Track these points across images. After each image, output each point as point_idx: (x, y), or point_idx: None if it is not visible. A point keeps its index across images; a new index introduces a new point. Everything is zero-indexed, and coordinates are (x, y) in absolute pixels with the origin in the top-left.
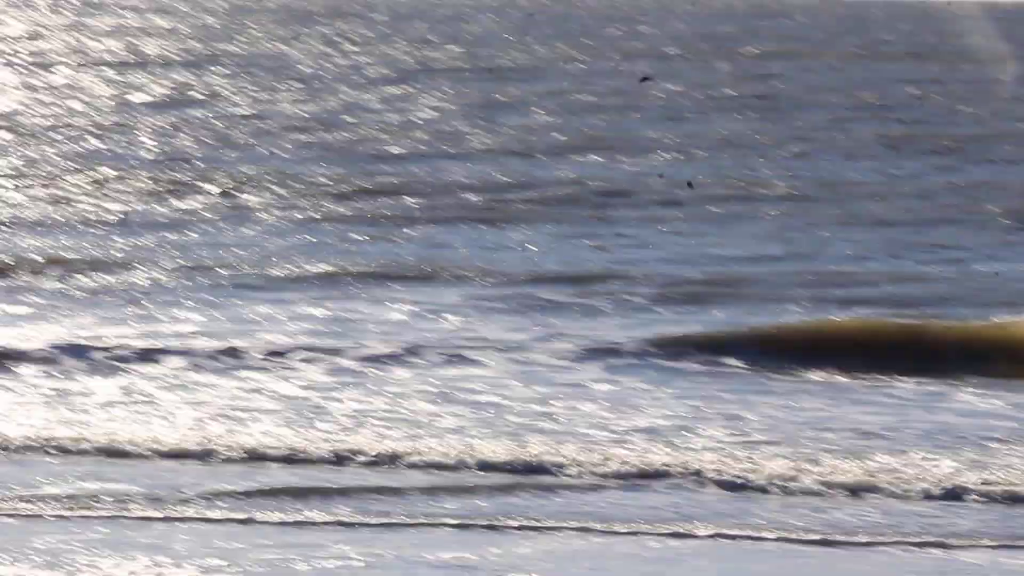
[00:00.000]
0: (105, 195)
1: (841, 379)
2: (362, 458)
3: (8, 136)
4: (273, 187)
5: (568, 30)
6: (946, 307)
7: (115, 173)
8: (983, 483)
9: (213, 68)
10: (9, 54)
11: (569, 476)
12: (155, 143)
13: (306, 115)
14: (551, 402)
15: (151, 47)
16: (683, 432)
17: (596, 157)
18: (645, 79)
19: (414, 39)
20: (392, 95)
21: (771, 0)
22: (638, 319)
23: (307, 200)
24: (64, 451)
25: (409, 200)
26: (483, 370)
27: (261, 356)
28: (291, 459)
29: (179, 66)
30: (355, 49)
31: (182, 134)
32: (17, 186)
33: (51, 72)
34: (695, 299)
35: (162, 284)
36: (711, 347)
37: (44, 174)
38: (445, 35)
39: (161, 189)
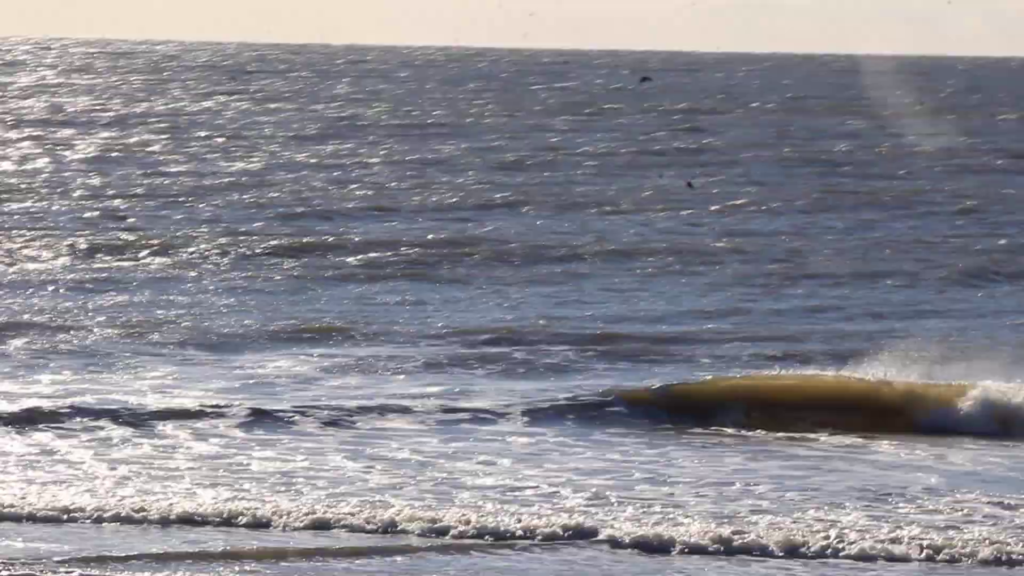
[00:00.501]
0: (24, 256)
1: (761, 434)
2: (283, 520)
3: None
4: (199, 245)
5: (489, 87)
6: (873, 362)
7: (39, 234)
8: (909, 539)
9: (140, 126)
10: None
11: (484, 535)
12: (84, 202)
13: (235, 173)
14: (468, 459)
15: (76, 106)
16: (603, 489)
17: (526, 214)
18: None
19: (338, 96)
20: (321, 152)
21: (687, 56)
22: (561, 376)
23: (231, 258)
24: None
25: (337, 257)
26: (404, 426)
27: (176, 416)
28: (209, 521)
29: (105, 125)
30: (281, 106)
31: (112, 192)
32: None
33: None
34: (620, 356)
35: (82, 344)
36: (631, 404)
37: None
38: (370, 92)
39: (82, 249)
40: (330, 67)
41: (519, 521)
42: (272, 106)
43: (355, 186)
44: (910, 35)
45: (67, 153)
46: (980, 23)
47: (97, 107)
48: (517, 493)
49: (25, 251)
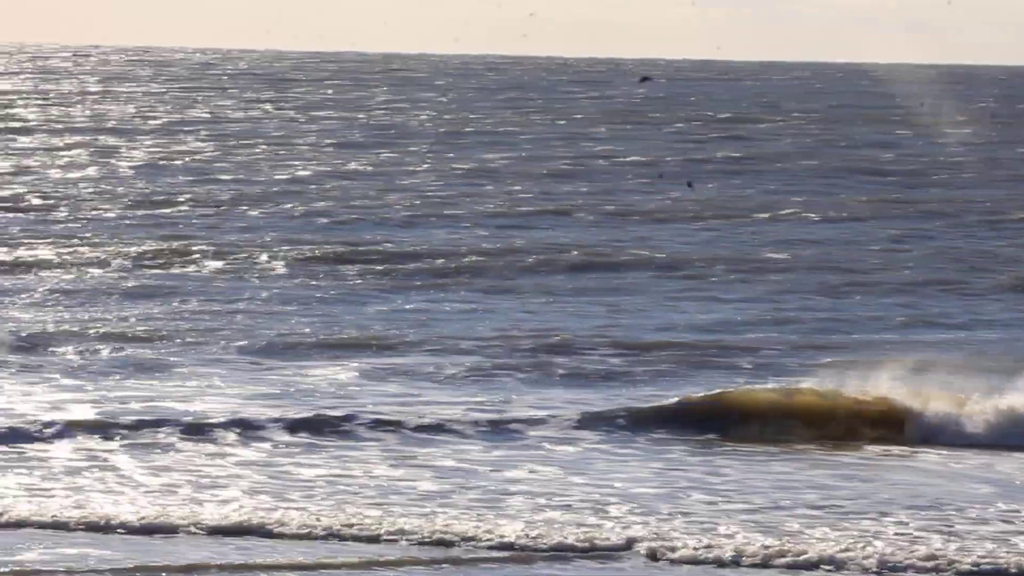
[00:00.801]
0: (75, 265)
1: (809, 443)
2: (330, 530)
3: None
4: (249, 252)
5: (524, 96)
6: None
7: (90, 242)
8: (958, 554)
9: (187, 134)
10: None
11: (531, 546)
12: (134, 210)
13: (283, 181)
14: (515, 468)
15: (121, 113)
16: (650, 499)
17: (577, 222)
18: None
19: (381, 104)
20: (369, 160)
21: (717, 65)
22: (610, 384)
23: (280, 266)
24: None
25: (385, 265)
26: (451, 435)
27: (225, 423)
28: (255, 530)
29: (151, 132)
30: (325, 114)
31: (162, 199)
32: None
33: (24, 139)
34: (668, 364)
35: (131, 352)
36: (678, 412)
37: (26, 244)
38: (413, 100)
39: (132, 257)
40: (366, 75)
41: (566, 531)
42: (316, 114)
43: (403, 194)
44: (930, 45)
45: (116, 161)
46: (1002, 32)
47: (143, 115)
48: (564, 502)
49: (76, 259)
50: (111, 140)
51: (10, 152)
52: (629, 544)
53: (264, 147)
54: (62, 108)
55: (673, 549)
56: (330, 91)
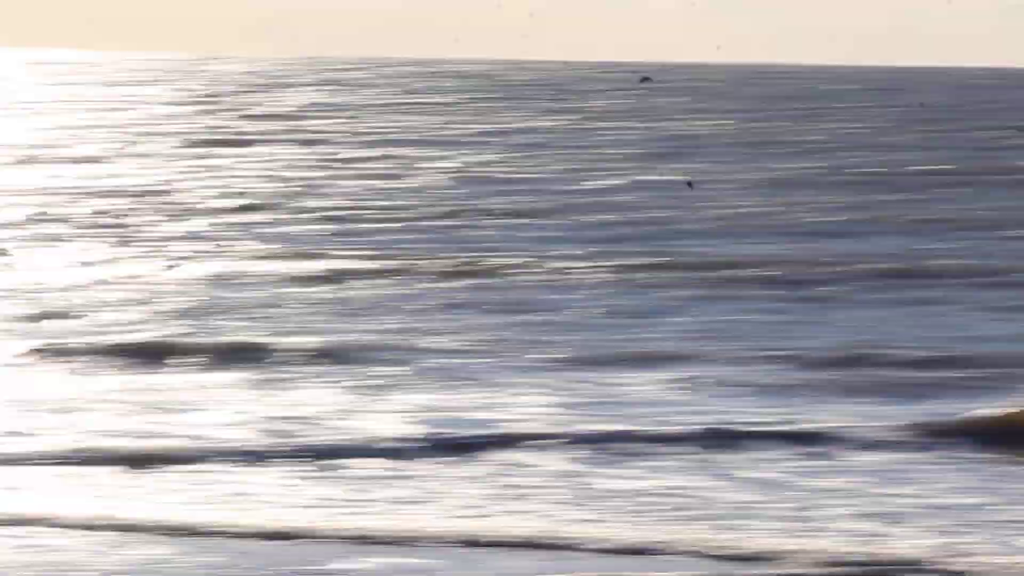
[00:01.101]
0: (382, 276)
1: None
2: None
3: (273, 216)
4: (556, 264)
5: (814, 104)
6: None
7: (397, 253)
8: None
9: (486, 145)
10: (280, 133)
11: (839, 565)
12: (441, 221)
13: (587, 191)
14: (822, 479)
15: (421, 124)
16: (962, 513)
17: (877, 232)
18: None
19: (669, 113)
20: (667, 170)
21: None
22: (918, 398)
23: (588, 277)
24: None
25: (691, 275)
26: (753, 448)
27: (533, 437)
28: (557, 545)
29: (453, 144)
30: (607, 125)
31: (470, 210)
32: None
33: (327, 150)
34: (979, 375)
35: (434, 364)
36: (985, 427)
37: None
38: (704, 110)
39: (442, 268)
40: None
41: (868, 545)
42: (607, 124)
43: (708, 204)
44: None
45: (418, 173)
46: None
47: (444, 126)
48: (870, 512)
49: (384, 269)
50: (412, 151)
51: (314, 164)
52: (934, 559)
53: (562, 157)
54: (360, 120)
55: (981, 572)
56: (615, 100)
